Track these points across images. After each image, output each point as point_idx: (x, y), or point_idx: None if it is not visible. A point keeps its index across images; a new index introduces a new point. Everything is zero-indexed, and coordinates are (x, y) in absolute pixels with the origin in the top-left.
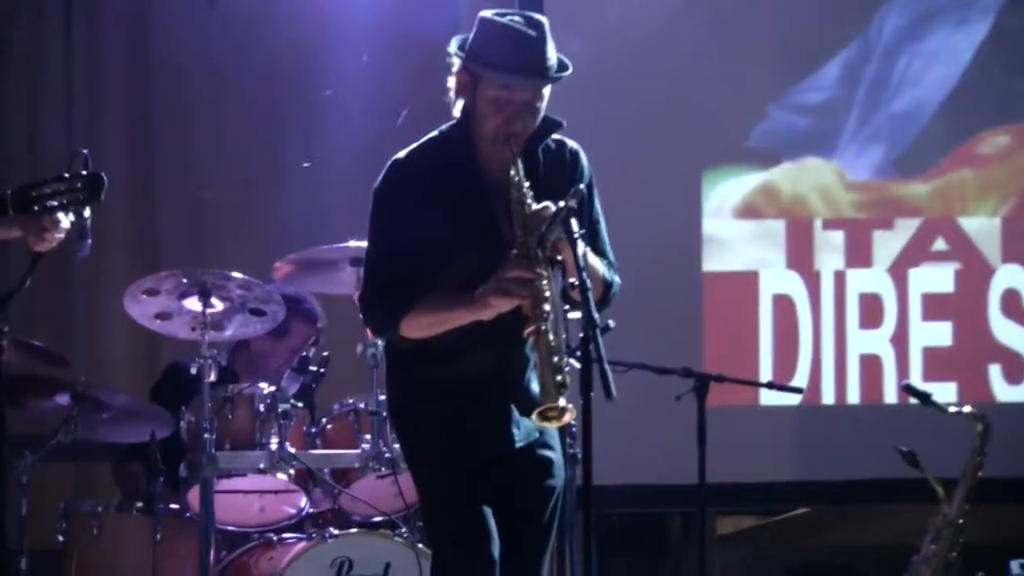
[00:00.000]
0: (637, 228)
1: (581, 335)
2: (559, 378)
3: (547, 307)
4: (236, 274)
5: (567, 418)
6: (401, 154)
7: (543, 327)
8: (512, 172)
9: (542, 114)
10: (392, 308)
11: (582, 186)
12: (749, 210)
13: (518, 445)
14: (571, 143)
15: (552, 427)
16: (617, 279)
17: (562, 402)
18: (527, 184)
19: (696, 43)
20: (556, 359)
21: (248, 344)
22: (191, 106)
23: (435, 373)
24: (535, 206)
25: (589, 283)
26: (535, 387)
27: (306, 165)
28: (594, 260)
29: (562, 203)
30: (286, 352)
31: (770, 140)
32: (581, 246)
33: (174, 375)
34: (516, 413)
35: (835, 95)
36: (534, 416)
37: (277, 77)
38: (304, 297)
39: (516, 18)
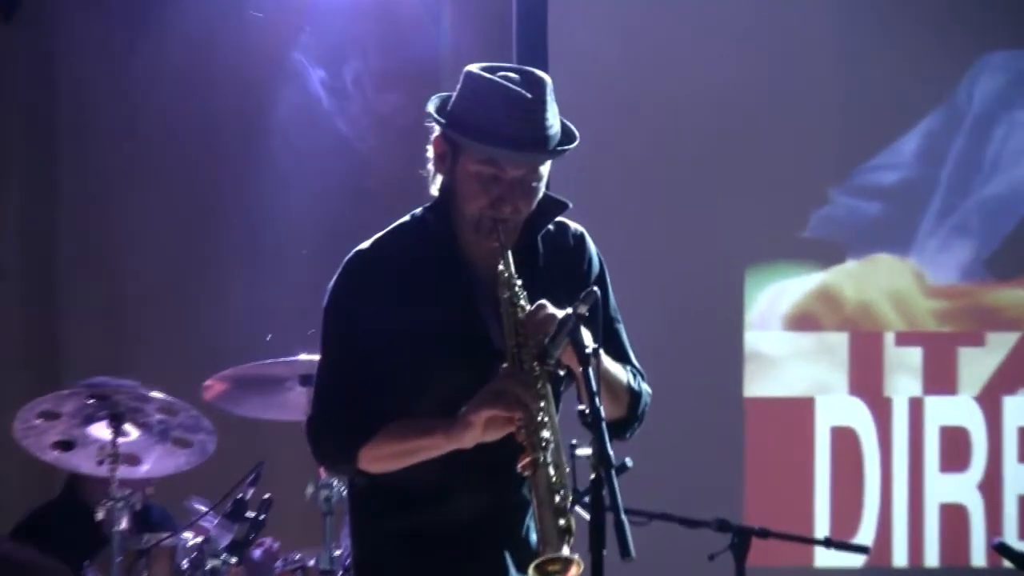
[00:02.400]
0: (661, 342)
1: (592, 477)
2: (562, 522)
3: (546, 434)
4: (156, 394)
5: (573, 573)
6: (364, 244)
7: (541, 458)
8: (500, 267)
9: (540, 194)
10: (348, 435)
11: (596, 288)
12: (804, 320)
13: None
14: (574, 226)
15: None
16: (647, 388)
17: (566, 551)
18: (519, 281)
19: (740, 104)
20: (558, 498)
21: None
22: (106, 179)
23: (410, 522)
24: (529, 307)
25: (603, 411)
26: (535, 536)
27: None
28: (613, 367)
29: (569, 310)
30: None
31: (831, 231)
32: (595, 362)
33: (42, 520)
34: (512, 569)
35: (913, 175)
36: (531, 571)
37: (215, 140)
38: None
39: (511, 74)
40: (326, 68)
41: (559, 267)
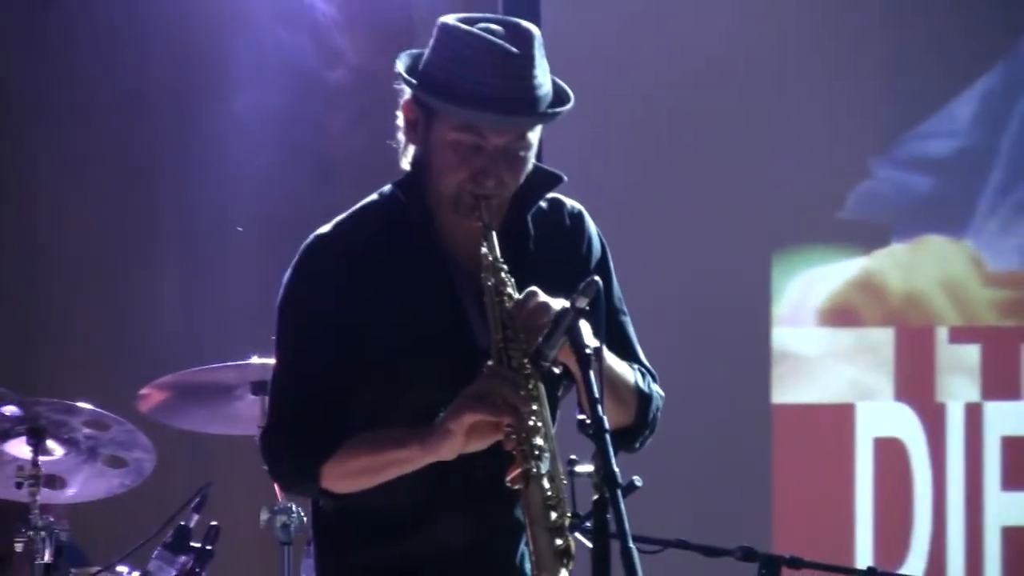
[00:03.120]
0: (674, 340)
1: (595, 498)
2: (559, 542)
3: (540, 441)
4: (84, 405)
5: None
6: (324, 228)
7: (534, 470)
8: (484, 250)
9: (529, 166)
10: (309, 450)
11: (597, 277)
12: (842, 314)
13: None
14: (571, 203)
15: None
16: (658, 390)
17: None
18: (505, 266)
19: (764, 63)
20: (554, 516)
21: None
22: (15, 159)
23: (384, 552)
24: (518, 296)
25: (608, 419)
26: (529, 565)
27: (239, 230)
28: (619, 366)
29: (566, 303)
30: None
31: (874, 209)
32: (597, 364)
33: None
34: None
35: (969, 144)
36: None
37: (146, 108)
38: None
39: (493, 26)
40: (280, 18)
41: (553, 250)
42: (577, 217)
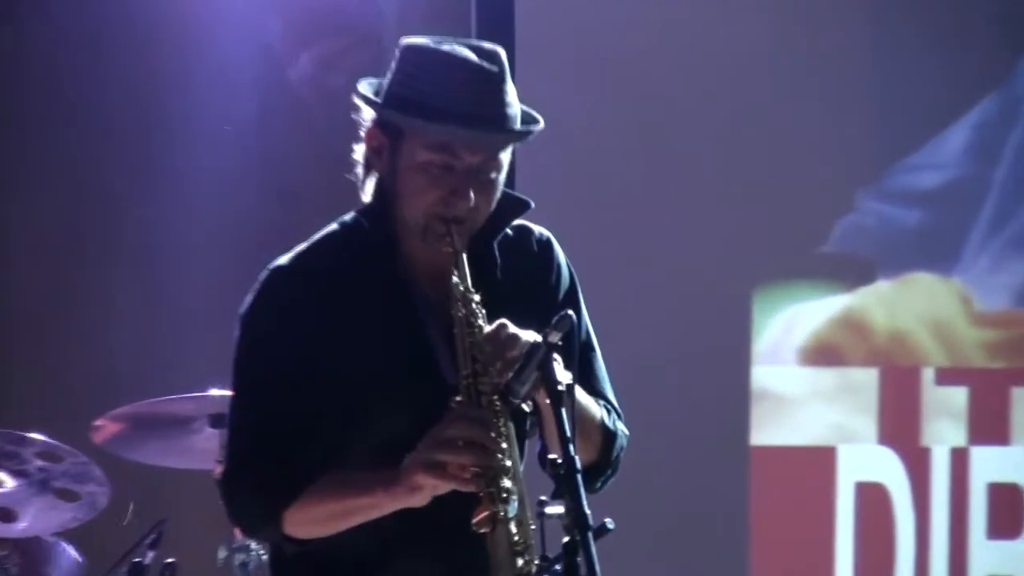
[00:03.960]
0: (648, 377)
1: (565, 539)
2: None
3: (507, 483)
4: (35, 435)
5: None
6: (283, 259)
7: (501, 512)
8: (455, 279)
9: (499, 191)
10: (270, 494)
11: (571, 311)
12: (824, 352)
13: None
14: (538, 230)
15: None
16: (623, 429)
17: None
18: (477, 297)
19: (748, 89)
20: (521, 562)
21: None
22: None
23: None
24: (488, 328)
25: (578, 460)
26: None
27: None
28: (586, 400)
29: (538, 337)
30: None
31: (858, 244)
32: (570, 401)
33: None
34: None
35: (960, 176)
36: None
37: (102, 125)
38: None
39: (459, 47)
40: (240, 35)
41: (521, 279)
42: (545, 244)
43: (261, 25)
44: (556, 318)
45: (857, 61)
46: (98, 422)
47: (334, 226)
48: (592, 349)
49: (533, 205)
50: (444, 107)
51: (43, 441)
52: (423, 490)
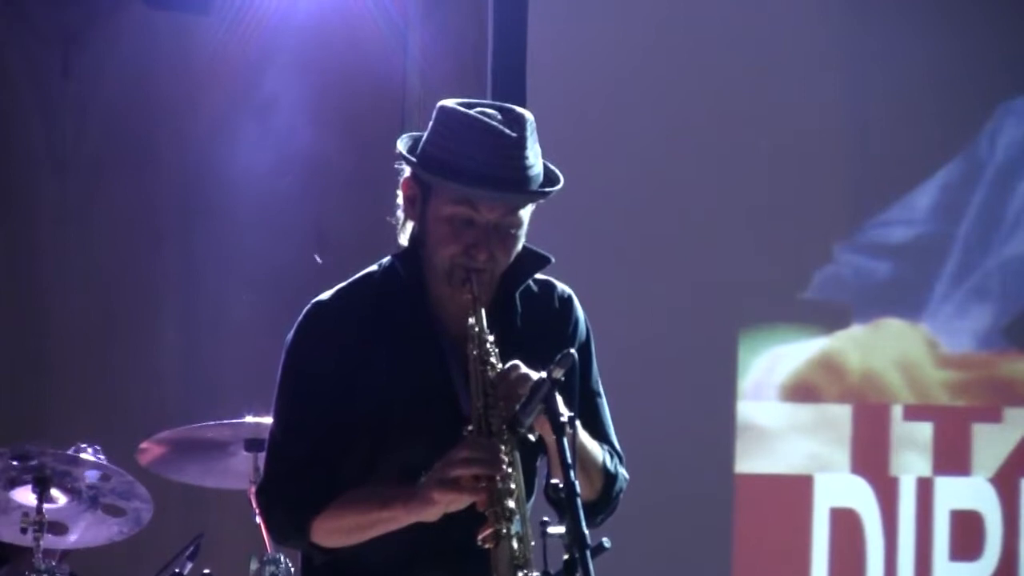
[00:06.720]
0: (644, 412)
1: (565, 558)
2: None
3: (511, 504)
4: (87, 456)
5: None
6: (325, 295)
7: (504, 530)
8: (471, 321)
9: (520, 244)
10: (300, 506)
11: (573, 350)
12: (802, 390)
13: None
14: (561, 287)
15: None
16: (623, 472)
17: None
18: (491, 338)
19: (734, 149)
20: (521, 574)
21: None
22: (29, 215)
23: None
24: (500, 367)
25: (579, 486)
26: None
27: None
28: (589, 443)
29: (543, 373)
30: None
31: (835, 292)
32: (571, 432)
33: None
34: None
35: (927, 232)
36: None
37: (153, 175)
38: None
39: (489, 111)
40: (281, 99)
41: (539, 329)
42: (566, 301)
43: (307, 65)
44: (559, 356)
45: (835, 128)
46: (143, 445)
47: (372, 268)
48: (599, 397)
49: (553, 260)
50: (467, 167)
51: (93, 461)
52: (437, 505)
